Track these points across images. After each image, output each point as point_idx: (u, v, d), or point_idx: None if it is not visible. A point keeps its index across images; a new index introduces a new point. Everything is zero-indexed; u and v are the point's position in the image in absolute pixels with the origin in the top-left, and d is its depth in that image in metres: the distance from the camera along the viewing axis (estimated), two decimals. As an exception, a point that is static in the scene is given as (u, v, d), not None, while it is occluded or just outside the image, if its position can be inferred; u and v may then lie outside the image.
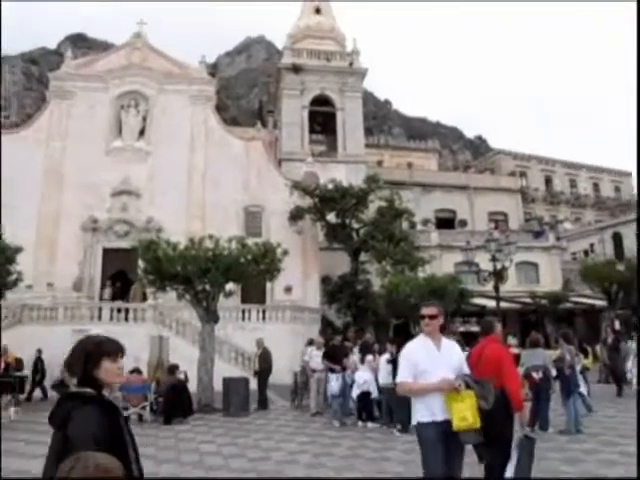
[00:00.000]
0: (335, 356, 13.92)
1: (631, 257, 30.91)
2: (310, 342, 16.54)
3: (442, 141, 70.28)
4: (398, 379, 5.18)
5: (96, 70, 30.03)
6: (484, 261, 25.94)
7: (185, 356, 18.16)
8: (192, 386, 14.94)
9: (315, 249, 30.16)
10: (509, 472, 5.46)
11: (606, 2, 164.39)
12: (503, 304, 21.86)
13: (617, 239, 44.83)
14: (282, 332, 23.97)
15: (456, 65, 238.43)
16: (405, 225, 30.39)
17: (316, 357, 14.87)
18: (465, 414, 4.61)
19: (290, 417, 14.12)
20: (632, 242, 43.31)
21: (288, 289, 28.05)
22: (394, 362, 12.19)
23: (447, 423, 4.72)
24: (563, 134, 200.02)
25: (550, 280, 35.29)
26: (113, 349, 3.01)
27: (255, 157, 30.58)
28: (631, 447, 8.77)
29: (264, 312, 25.40)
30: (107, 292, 26.15)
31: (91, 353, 2.94)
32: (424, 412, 4.89)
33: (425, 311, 5.19)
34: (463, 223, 42.38)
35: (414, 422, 4.99)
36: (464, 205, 43.67)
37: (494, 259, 21.16)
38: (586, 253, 46.07)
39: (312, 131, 38.43)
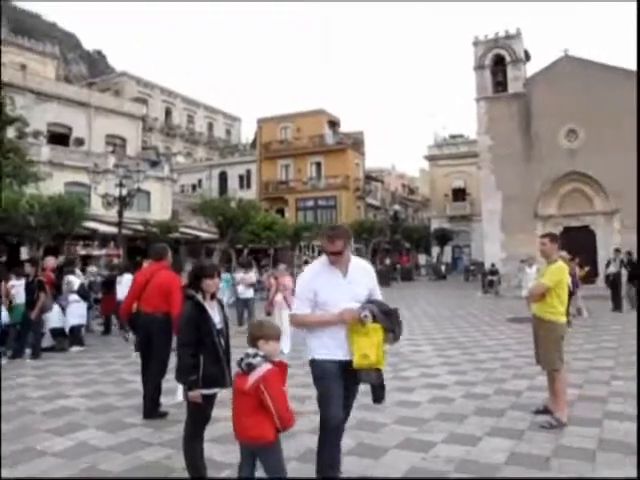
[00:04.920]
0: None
1: (234, 195, 34.33)
2: None
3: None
4: (293, 309, 4.36)
5: None
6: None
7: None
8: None
9: None
10: None
11: None
12: (115, 229, 22.16)
13: (223, 177, 49.14)
14: None
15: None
16: (11, 134, 27.43)
17: None
18: (367, 351, 4.00)
19: None
20: (234, 181, 48.19)
21: None
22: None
23: (348, 363, 4.06)
24: (184, 71, 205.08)
25: (161, 210, 36.61)
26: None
27: None
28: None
29: None
30: None
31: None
32: (321, 350, 4.15)
33: (330, 247, 4.10)
34: (79, 142, 40.38)
35: (309, 357, 4.23)
36: (82, 123, 41.43)
37: (121, 185, 21.17)
38: (194, 187, 49.23)
39: None
